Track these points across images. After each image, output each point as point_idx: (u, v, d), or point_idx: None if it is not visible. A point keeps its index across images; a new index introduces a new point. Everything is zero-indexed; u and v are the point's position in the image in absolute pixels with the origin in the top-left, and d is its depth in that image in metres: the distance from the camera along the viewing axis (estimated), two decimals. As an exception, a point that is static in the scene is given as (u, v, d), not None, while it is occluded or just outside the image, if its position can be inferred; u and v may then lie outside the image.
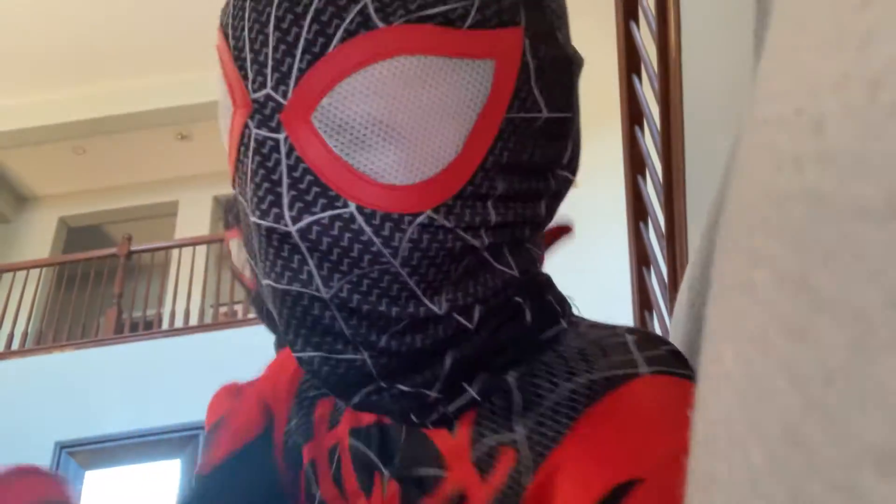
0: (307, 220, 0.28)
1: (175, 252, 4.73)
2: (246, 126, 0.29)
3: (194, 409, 3.47)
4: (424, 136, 0.28)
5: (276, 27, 0.28)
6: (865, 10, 0.09)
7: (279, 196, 0.28)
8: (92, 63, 4.71)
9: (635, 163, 1.58)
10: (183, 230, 5.55)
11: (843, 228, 0.09)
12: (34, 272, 4.58)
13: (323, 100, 0.27)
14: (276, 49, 0.28)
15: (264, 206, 0.28)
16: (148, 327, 4.32)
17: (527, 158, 0.31)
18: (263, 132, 0.29)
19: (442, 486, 0.33)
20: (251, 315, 4.32)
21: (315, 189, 0.28)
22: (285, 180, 0.29)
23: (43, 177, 5.74)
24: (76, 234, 6.03)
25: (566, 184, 0.34)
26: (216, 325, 3.96)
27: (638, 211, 1.60)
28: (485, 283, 0.31)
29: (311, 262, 0.29)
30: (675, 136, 1.19)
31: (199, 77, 4.84)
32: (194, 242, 4.53)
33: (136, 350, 3.79)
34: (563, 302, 0.36)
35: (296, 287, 0.29)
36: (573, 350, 0.33)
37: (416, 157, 0.28)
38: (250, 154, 0.29)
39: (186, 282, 4.43)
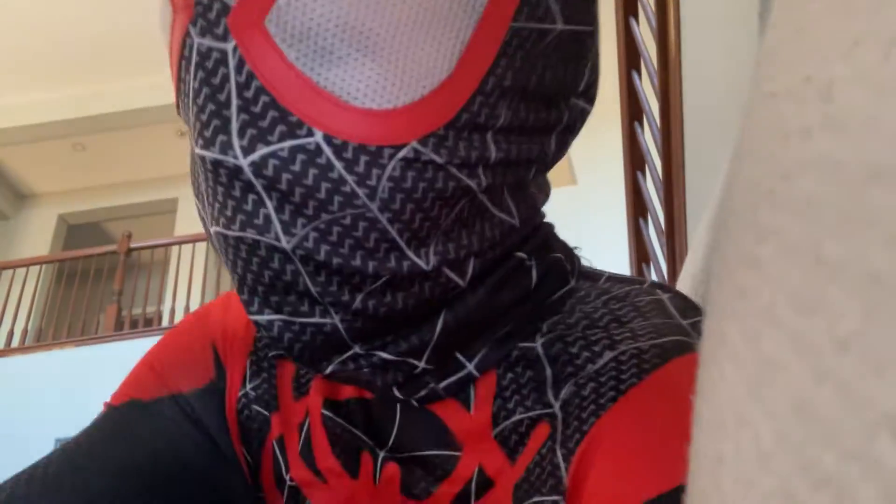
0: (261, 151, 0.23)
1: (175, 249, 4.73)
2: (187, 34, 0.24)
3: (194, 406, 3.47)
4: (409, 46, 0.22)
5: None
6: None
7: (227, 121, 0.23)
8: (91, 60, 4.70)
9: (635, 159, 1.58)
10: (183, 227, 5.55)
11: (855, 194, 0.08)
12: (34, 269, 4.58)
13: (280, 3, 0.22)
14: None
15: (208, 134, 0.23)
16: (148, 324, 4.32)
17: (536, 81, 0.25)
18: (207, 41, 0.23)
19: (458, 468, 0.28)
20: (251, 312, 4.32)
21: (272, 113, 0.23)
22: (234, 101, 0.23)
23: (42, 174, 5.74)
24: (76, 232, 6.03)
25: (582, 115, 0.29)
26: (216, 323, 3.96)
27: (638, 207, 1.60)
28: (481, 232, 0.26)
29: (268, 203, 0.23)
30: (675, 133, 1.19)
31: (199, 74, 4.84)
32: (194, 239, 4.53)
33: (136, 347, 3.79)
34: (571, 257, 0.32)
35: (250, 234, 0.24)
36: (602, 311, 0.28)
37: (399, 73, 0.22)
38: (192, 69, 0.24)
39: (186, 279, 4.43)
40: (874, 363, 0.07)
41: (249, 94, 0.23)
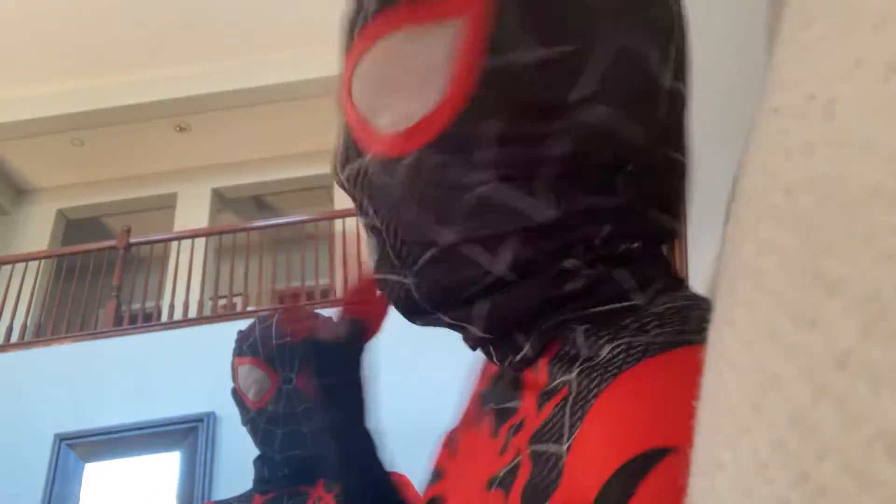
0: (346, 170, 0.37)
1: (174, 244, 4.73)
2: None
3: (194, 401, 3.47)
4: (408, 91, 0.33)
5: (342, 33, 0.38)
6: (879, -6, 0.09)
7: (339, 152, 0.38)
8: (90, 55, 4.69)
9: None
10: (182, 222, 5.55)
11: (855, 212, 0.09)
12: (33, 264, 4.58)
13: (354, 77, 0.36)
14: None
15: (337, 161, 0.39)
16: (147, 319, 4.32)
17: (522, 99, 0.31)
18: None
19: (513, 416, 0.36)
20: (250, 308, 4.32)
21: (350, 144, 0.37)
22: (342, 139, 0.38)
23: (41, 169, 5.73)
24: (75, 227, 6.03)
25: (601, 117, 0.31)
26: (215, 318, 3.96)
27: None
28: (504, 216, 0.32)
29: (365, 202, 0.36)
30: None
31: (198, 69, 4.83)
32: (193, 235, 4.53)
33: (136, 342, 3.79)
34: (647, 282, 0.34)
35: (364, 221, 0.37)
36: (653, 314, 0.31)
37: (404, 109, 0.34)
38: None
39: (185, 274, 4.43)
40: (872, 380, 0.07)
41: (344, 133, 0.38)
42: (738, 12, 0.96)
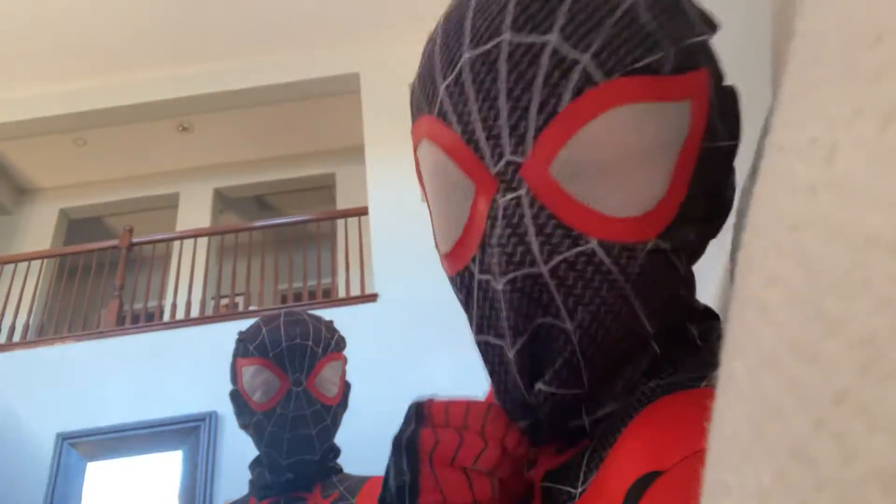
0: (556, 259, 0.31)
1: (176, 244, 4.73)
2: (493, 200, 0.33)
3: (196, 400, 3.48)
4: (643, 171, 0.31)
5: (508, 97, 0.31)
6: (877, 48, 0.09)
7: (529, 244, 0.31)
8: (92, 55, 4.70)
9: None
10: (184, 222, 5.55)
11: (854, 256, 0.09)
12: (35, 264, 4.59)
13: (560, 151, 0.31)
14: (509, 117, 0.32)
15: (517, 259, 0.31)
16: (149, 319, 4.33)
17: (714, 183, 0.34)
18: (507, 196, 0.32)
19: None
20: (252, 307, 4.33)
21: (559, 231, 0.31)
22: (531, 230, 0.32)
23: (43, 169, 5.74)
24: (77, 226, 6.03)
25: (730, 203, 0.37)
26: (217, 318, 3.97)
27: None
28: (679, 306, 0.35)
29: (557, 298, 0.31)
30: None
31: (200, 69, 4.83)
32: (195, 234, 4.53)
33: (138, 342, 3.80)
34: (707, 333, 0.36)
35: (548, 320, 0.32)
36: (695, 359, 0.34)
37: (639, 191, 0.31)
38: (498, 223, 0.32)
39: (188, 274, 4.43)
40: (867, 418, 0.08)
41: (541, 221, 0.32)
42: (741, 27, 0.96)
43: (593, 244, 0.31)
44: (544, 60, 0.31)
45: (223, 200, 6.03)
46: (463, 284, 0.35)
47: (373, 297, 3.66)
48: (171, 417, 3.49)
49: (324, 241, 4.80)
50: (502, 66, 0.31)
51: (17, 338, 4.20)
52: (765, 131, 0.28)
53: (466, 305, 0.36)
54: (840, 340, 0.09)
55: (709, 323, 0.36)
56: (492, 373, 0.35)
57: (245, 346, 1.00)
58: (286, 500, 0.97)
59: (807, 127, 0.11)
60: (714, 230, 0.36)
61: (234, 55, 4.72)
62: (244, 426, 1.01)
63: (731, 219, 0.38)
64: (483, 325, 0.34)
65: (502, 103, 0.32)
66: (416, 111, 0.37)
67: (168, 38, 4.59)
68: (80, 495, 3.51)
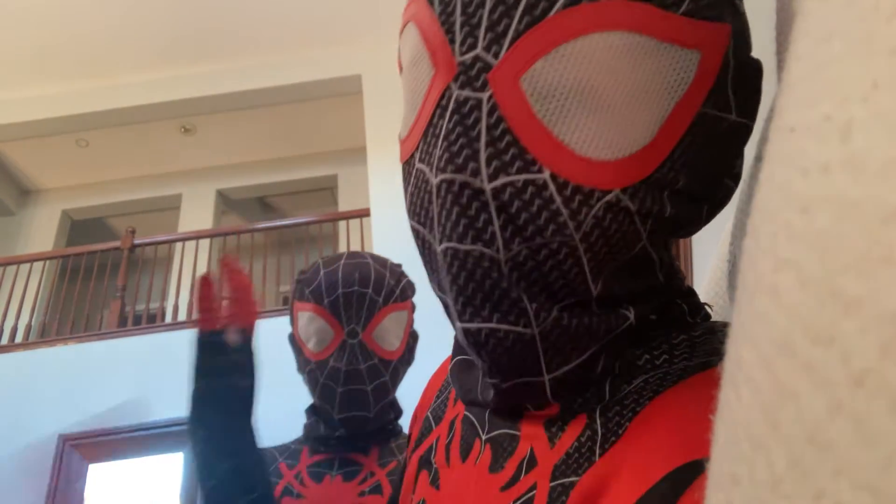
0: (502, 179, 0.28)
1: (178, 245, 4.74)
2: (447, 88, 0.30)
3: (197, 402, 3.48)
4: (625, 114, 0.28)
5: None
6: (895, 21, 0.09)
7: (476, 152, 0.28)
8: (95, 56, 4.71)
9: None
10: (186, 223, 5.56)
11: (871, 233, 0.09)
12: (38, 265, 4.60)
13: (537, 62, 0.28)
14: (492, 10, 0.28)
15: (460, 161, 0.28)
16: (151, 320, 4.34)
17: (708, 159, 0.30)
18: (466, 92, 0.29)
19: (515, 447, 0.34)
20: (254, 309, 4.32)
21: (513, 150, 0.28)
22: (483, 138, 0.28)
23: (46, 170, 5.75)
24: (79, 227, 6.04)
25: (729, 193, 0.33)
26: (219, 319, 3.96)
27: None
28: (641, 278, 0.32)
29: (496, 222, 0.29)
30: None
31: (203, 70, 4.84)
32: (198, 236, 4.54)
33: (140, 343, 3.80)
34: (696, 310, 0.35)
35: (478, 247, 0.29)
36: (687, 341, 0.32)
37: (616, 134, 0.28)
38: (447, 115, 0.29)
39: (190, 275, 4.44)
40: (890, 400, 0.07)
41: (497, 133, 0.28)
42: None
43: (545, 175, 0.28)
44: None
45: (225, 202, 6.03)
46: (408, 173, 0.33)
47: (374, 299, 3.66)
48: (173, 419, 3.48)
49: (326, 243, 4.80)
50: None
51: (19, 339, 4.20)
52: (768, 120, 0.27)
53: (405, 191, 0.34)
54: (858, 321, 0.09)
55: (693, 300, 0.34)
56: (425, 262, 0.33)
57: (302, 289, 0.91)
58: (340, 462, 0.89)
59: (819, 105, 0.10)
60: (699, 216, 0.32)
61: (236, 57, 4.73)
62: (300, 371, 0.92)
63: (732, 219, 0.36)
64: (413, 210, 0.32)
65: None
66: None
67: (171, 40, 4.60)
68: (82, 497, 3.51)
